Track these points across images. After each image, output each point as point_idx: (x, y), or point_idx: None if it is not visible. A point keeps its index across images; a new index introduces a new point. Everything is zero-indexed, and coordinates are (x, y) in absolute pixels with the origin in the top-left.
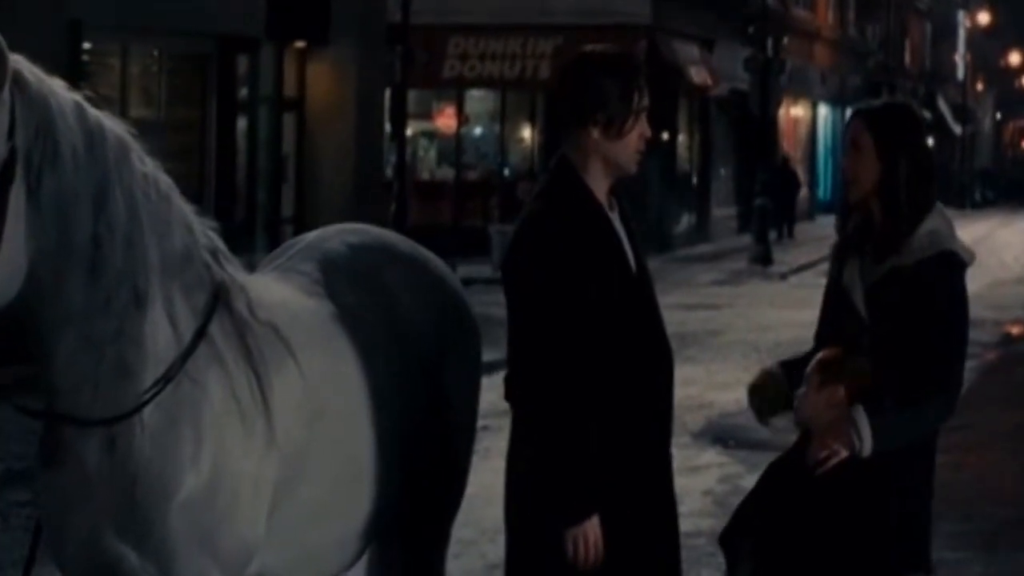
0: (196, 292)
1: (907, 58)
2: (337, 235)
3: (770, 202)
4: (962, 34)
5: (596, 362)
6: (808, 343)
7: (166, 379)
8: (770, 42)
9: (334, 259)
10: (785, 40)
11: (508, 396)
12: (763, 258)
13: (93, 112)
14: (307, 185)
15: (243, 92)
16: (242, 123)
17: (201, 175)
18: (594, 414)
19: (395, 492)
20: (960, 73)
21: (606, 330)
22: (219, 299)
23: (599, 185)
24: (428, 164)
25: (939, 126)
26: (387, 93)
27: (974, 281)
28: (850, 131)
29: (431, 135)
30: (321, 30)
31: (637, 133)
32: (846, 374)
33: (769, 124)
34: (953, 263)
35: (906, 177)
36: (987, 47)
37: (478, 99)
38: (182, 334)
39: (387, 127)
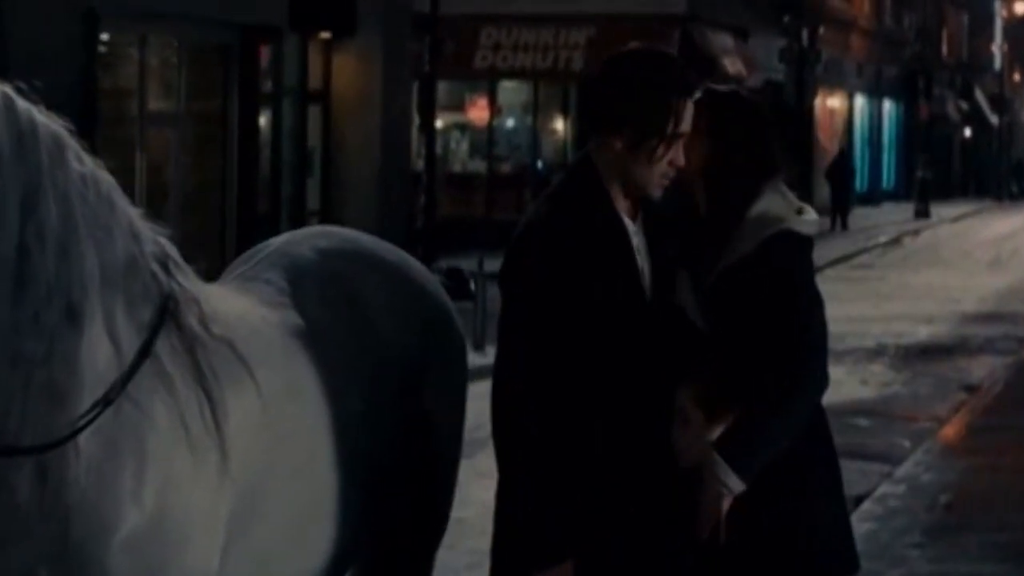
0: (141, 305)
1: (944, 48)
2: (307, 240)
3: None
4: (999, 24)
5: (591, 379)
6: (842, 338)
7: (104, 402)
8: (805, 32)
9: (303, 266)
10: (821, 30)
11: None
12: None
13: (24, 106)
14: (333, 178)
15: (267, 84)
16: (266, 116)
17: (224, 168)
18: (594, 426)
19: (364, 526)
20: (997, 63)
21: (605, 349)
22: (167, 312)
23: (618, 199)
24: (460, 156)
25: (976, 117)
26: (416, 84)
27: (1007, 274)
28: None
29: (463, 127)
30: (347, 20)
31: (667, 160)
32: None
33: (805, 115)
34: (789, 241)
35: (738, 161)
36: None
37: (510, 90)
38: (124, 353)
39: (416, 119)
